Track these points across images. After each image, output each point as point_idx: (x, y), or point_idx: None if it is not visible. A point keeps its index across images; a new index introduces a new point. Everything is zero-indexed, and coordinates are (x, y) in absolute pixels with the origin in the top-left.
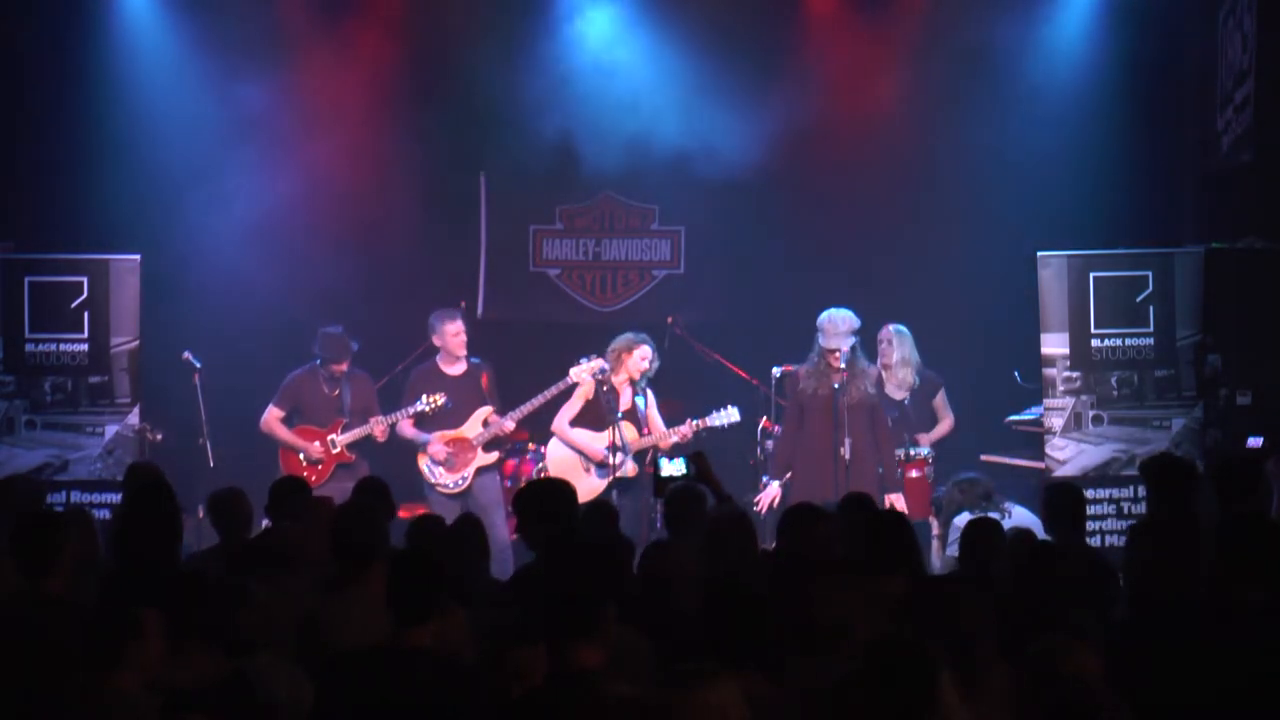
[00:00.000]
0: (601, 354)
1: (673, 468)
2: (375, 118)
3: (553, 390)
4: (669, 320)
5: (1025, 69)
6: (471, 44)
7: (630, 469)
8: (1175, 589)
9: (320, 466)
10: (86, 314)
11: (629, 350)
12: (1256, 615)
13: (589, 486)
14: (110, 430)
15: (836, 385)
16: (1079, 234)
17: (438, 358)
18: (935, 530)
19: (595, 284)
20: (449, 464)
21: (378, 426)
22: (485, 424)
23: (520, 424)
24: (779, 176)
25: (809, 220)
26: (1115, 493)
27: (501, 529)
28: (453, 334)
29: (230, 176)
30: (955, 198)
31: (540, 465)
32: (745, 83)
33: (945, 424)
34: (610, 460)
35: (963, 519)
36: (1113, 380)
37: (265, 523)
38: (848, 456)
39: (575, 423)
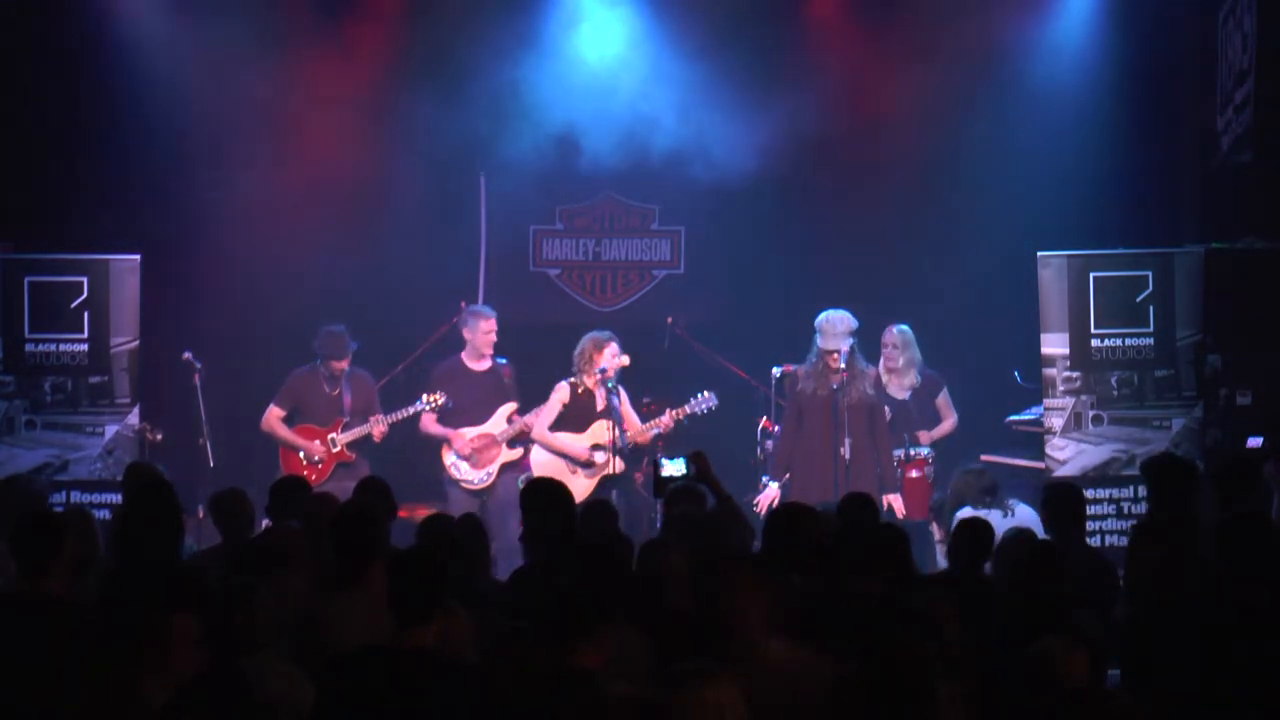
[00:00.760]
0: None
1: (673, 468)
2: (375, 118)
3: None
4: (669, 320)
5: (1025, 69)
6: (472, 44)
7: (618, 466)
8: (1175, 589)
9: (320, 465)
10: (86, 314)
11: (598, 350)
12: (1256, 615)
13: (578, 487)
14: (110, 430)
15: (835, 386)
16: (1079, 234)
17: (463, 353)
18: (938, 536)
19: (595, 284)
20: (474, 460)
21: (377, 426)
22: (509, 420)
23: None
24: (779, 177)
25: (809, 220)
26: (1115, 493)
27: (518, 528)
28: (484, 331)
29: (230, 177)
30: (955, 198)
31: (525, 475)
32: (746, 83)
33: (948, 423)
34: (596, 459)
35: (965, 513)
36: (1113, 380)
37: (265, 523)
38: (848, 457)
39: (554, 428)
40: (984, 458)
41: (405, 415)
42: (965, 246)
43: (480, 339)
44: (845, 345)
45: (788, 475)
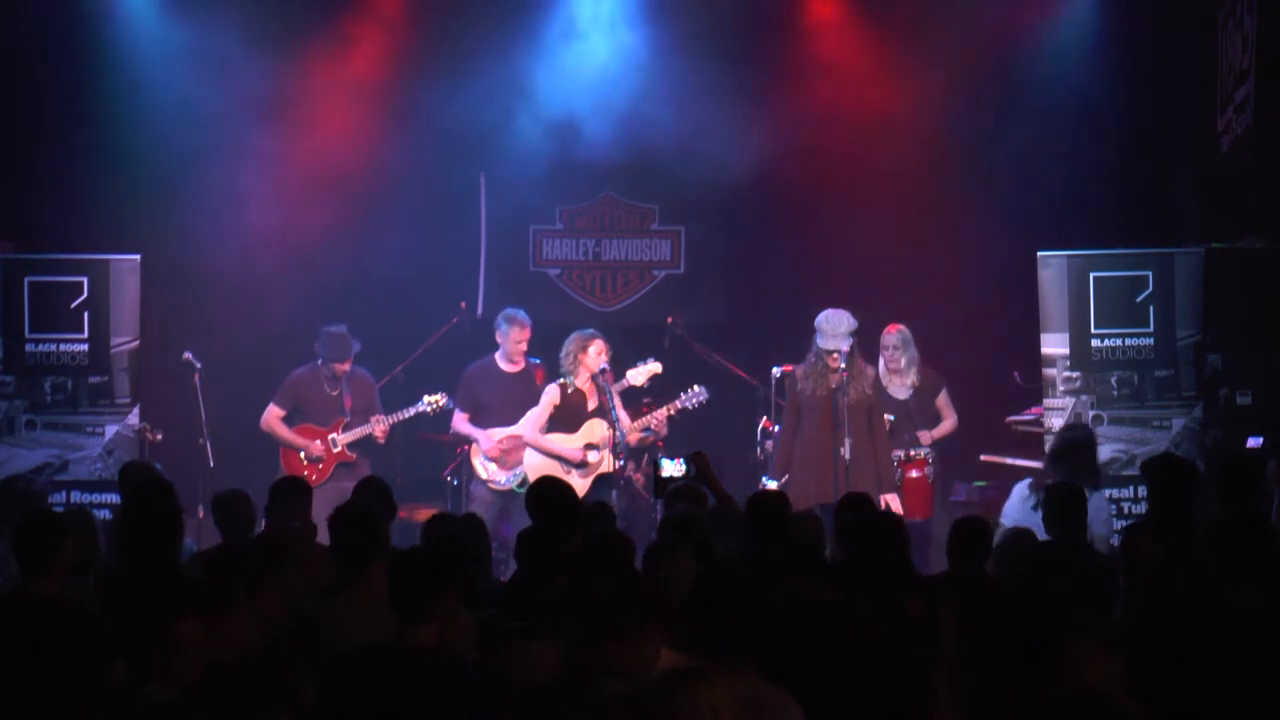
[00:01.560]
0: (656, 357)
1: (673, 468)
2: (375, 118)
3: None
4: (669, 320)
5: (1025, 69)
6: (472, 44)
7: (611, 464)
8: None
9: (321, 465)
10: (86, 314)
11: (583, 349)
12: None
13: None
14: (110, 430)
15: (835, 386)
16: (1079, 234)
17: (496, 354)
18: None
19: (595, 284)
20: (502, 461)
21: (378, 426)
22: None
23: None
24: (779, 177)
25: (809, 220)
26: (1115, 493)
27: None
28: (516, 340)
29: (230, 177)
30: (955, 198)
31: (520, 478)
32: (746, 83)
33: (948, 423)
34: (589, 458)
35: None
36: (1113, 380)
37: (265, 523)
38: (848, 457)
39: (547, 430)
40: (984, 458)
41: (406, 416)
42: (965, 246)
43: (511, 346)
44: (845, 345)
45: (787, 475)
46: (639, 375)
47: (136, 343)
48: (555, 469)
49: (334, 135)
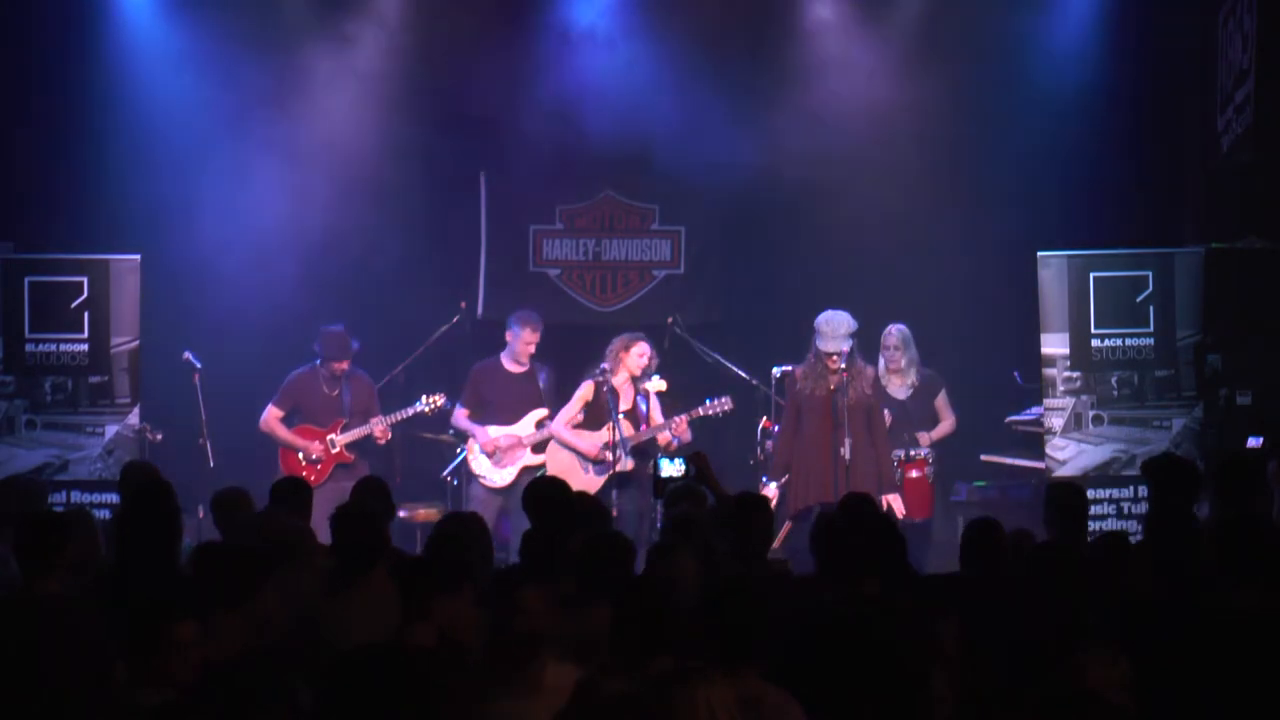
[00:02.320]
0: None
1: (672, 468)
2: (375, 118)
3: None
4: (669, 320)
5: (1025, 69)
6: (472, 43)
7: (628, 464)
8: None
9: (320, 466)
10: (86, 314)
11: (625, 349)
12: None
13: (589, 484)
14: (110, 430)
15: (834, 386)
16: (1079, 234)
17: (503, 354)
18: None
19: (595, 284)
20: (497, 459)
21: (378, 427)
22: (538, 425)
23: None
24: (779, 177)
25: (809, 220)
26: (1115, 493)
27: None
28: (525, 341)
29: (230, 176)
30: (955, 198)
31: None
32: (745, 83)
33: (947, 423)
34: (607, 457)
35: None
36: (1113, 380)
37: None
38: (848, 457)
39: (576, 425)
40: (984, 458)
41: (405, 416)
42: (965, 246)
43: (520, 347)
44: (845, 346)
45: (787, 475)
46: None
47: (136, 343)
48: (574, 464)
49: (334, 135)
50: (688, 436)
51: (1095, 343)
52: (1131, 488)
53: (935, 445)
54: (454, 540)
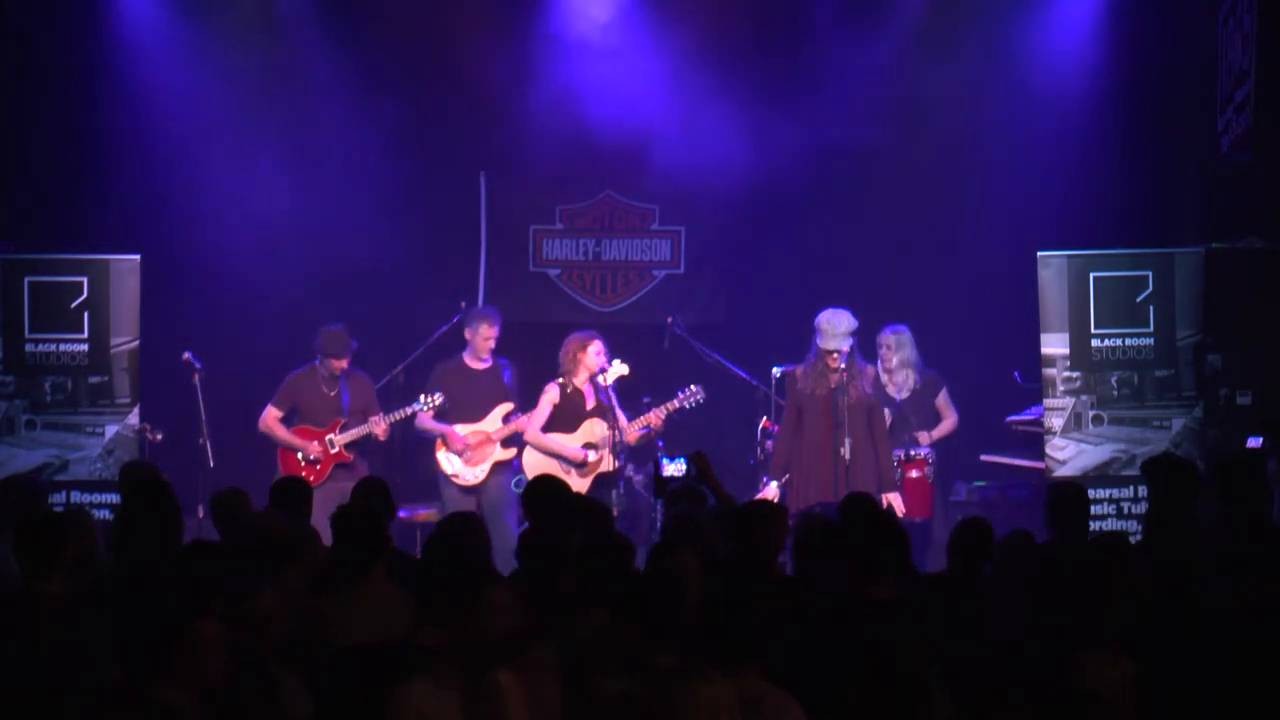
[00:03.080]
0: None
1: (673, 468)
2: (376, 117)
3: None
4: (669, 320)
5: (1026, 70)
6: (472, 43)
7: (610, 464)
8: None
9: (319, 466)
10: (86, 314)
11: (582, 349)
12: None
13: (573, 487)
14: (110, 430)
15: (835, 386)
16: (1079, 234)
17: (464, 353)
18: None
19: (595, 284)
20: (467, 457)
21: (378, 426)
22: (505, 420)
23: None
24: (779, 177)
25: (809, 220)
26: (1115, 493)
27: (510, 529)
28: (484, 337)
29: (230, 177)
30: (955, 198)
31: (517, 477)
32: (746, 83)
33: (948, 423)
34: (589, 458)
35: None
36: (1113, 380)
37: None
38: (848, 457)
39: (546, 429)
40: (984, 458)
41: (404, 415)
42: (965, 246)
43: (480, 343)
44: (845, 345)
45: (787, 475)
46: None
47: (136, 343)
48: (555, 468)
49: (334, 135)
50: (661, 426)
51: (1095, 343)
52: (1131, 488)
53: (935, 445)
54: (454, 540)
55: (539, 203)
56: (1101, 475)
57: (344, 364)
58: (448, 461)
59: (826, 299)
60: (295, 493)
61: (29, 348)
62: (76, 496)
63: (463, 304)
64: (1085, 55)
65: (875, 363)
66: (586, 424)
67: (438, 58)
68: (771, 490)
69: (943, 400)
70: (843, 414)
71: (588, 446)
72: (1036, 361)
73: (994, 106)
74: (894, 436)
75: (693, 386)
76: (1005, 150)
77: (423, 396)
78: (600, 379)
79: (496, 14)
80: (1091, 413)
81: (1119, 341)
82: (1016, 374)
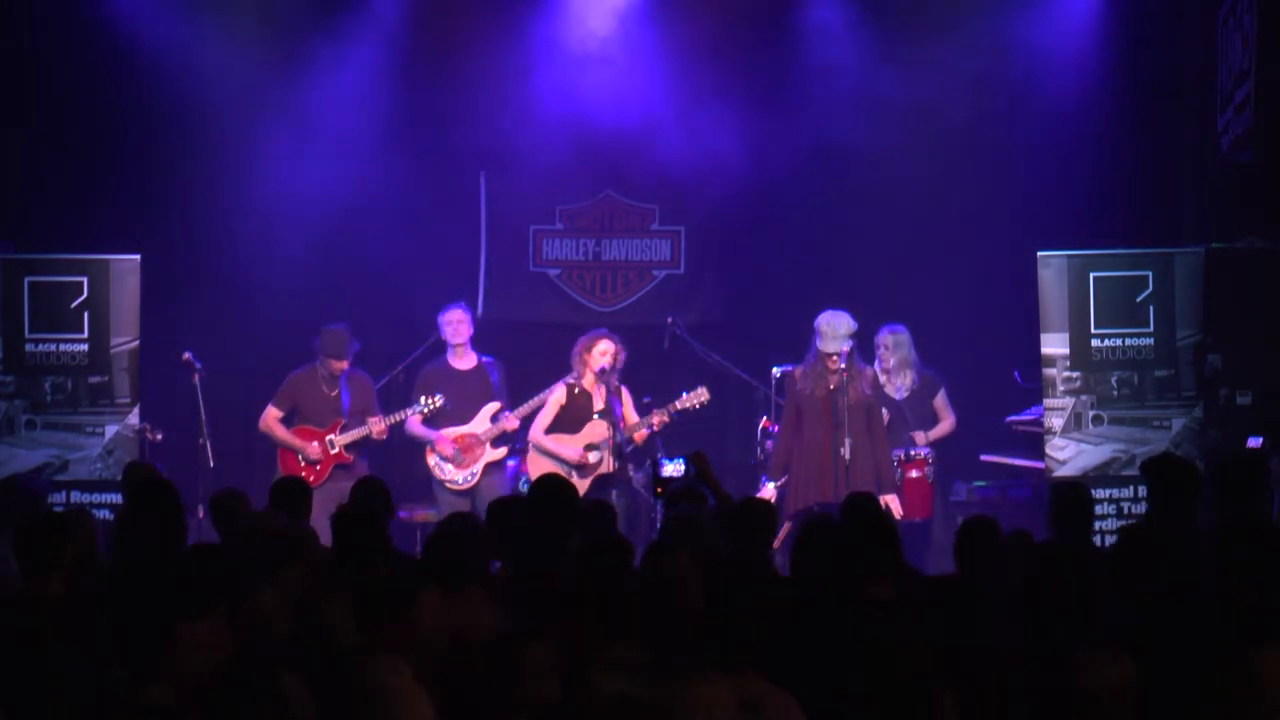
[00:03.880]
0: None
1: (673, 468)
2: (375, 118)
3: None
4: (669, 320)
5: (1025, 70)
6: (472, 43)
7: (609, 465)
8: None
9: (319, 467)
10: (86, 314)
11: (588, 349)
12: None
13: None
14: (110, 430)
15: (834, 386)
16: (1079, 234)
17: (448, 354)
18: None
19: (595, 284)
20: (457, 460)
21: (376, 426)
22: (493, 419)
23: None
24: (779, 176)
25: (809, 220)
26: (1115, 493)
27: None
28: (445, 322)
29: (230, 177)
30: (955, 198)
31: (523, 478)
32: (746, 83)
33: (946, 423)
34: (590, 460)
35: None
36: (1113, 380)
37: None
38: (848, 457)
39: (550, 430)
40: (984, 458)
41: (403, 417)
42: (965, 246)
43: (449, 331)
44: (845, 347)
45: (787, 475)
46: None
47: (136, 343)
48: (557, 470)
49: (334, 135)
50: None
51: (1095, 343)
52: (1131, 488)
53: (935, 445)
54: (454, 540)
55: (539, 203)
56: (1101, 475)
57: (344, 364)
58: (439, 467)
59: (826, 299)
60: (295, 493)
61: (29, 348)
62: (76, 496)
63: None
64: (1085, 55)
65: (874, 363)
66: (590, 425)
67: (438, 58)
68: (770, 490)
69: (941, 401)
70: (842, 414)
71: (589, 448)
72: (1036, 361)
73: (994, 106)
74: (892, 437)
75: (700, 389)
76: (1005, 150)
77: (423, 398)
78: (611, 380)
79: (497, 14)
80: (1091, 413)
81: (1119, 341)
82: (1016, 374)
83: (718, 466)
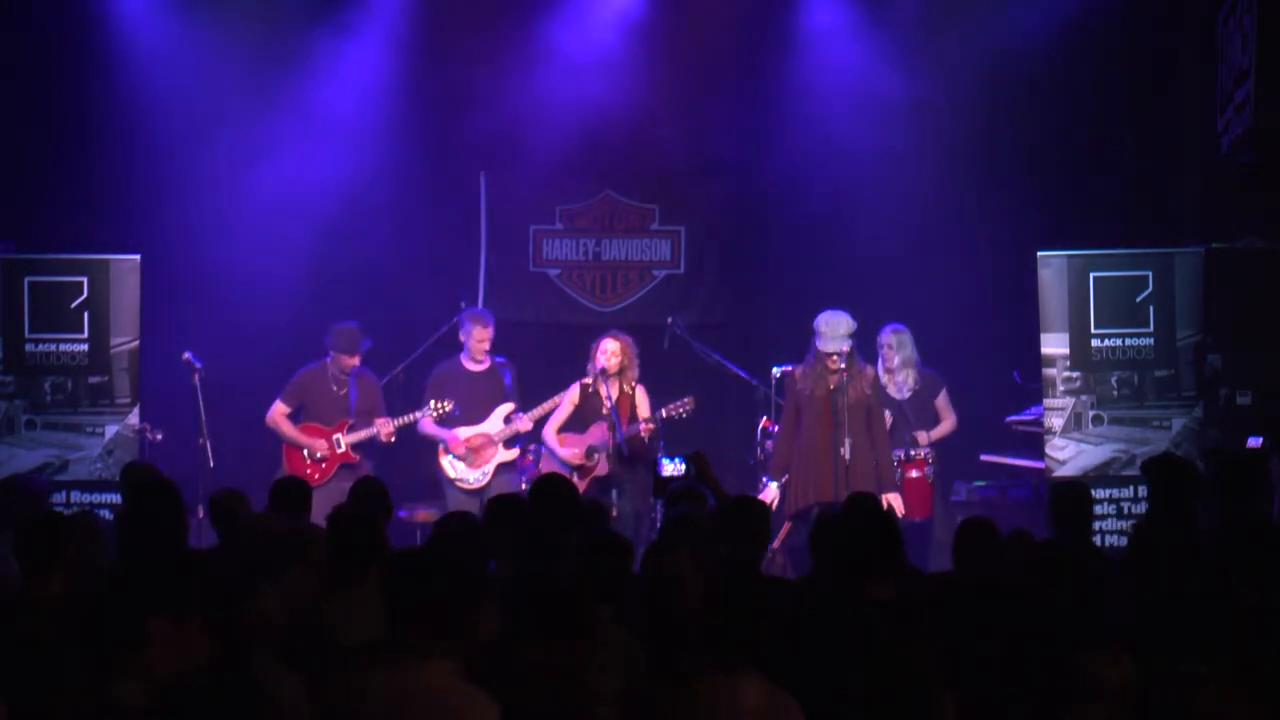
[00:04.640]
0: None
1: (673, 468)
2: (375, 117)
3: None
4: (669, 320)
5: (1025, 69)
6: (472, 43)
7: (603, 468)
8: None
9: (324, 465)
10: (86, 314)
11: (596, 349)
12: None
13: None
14: (110, 430)
15: (834, 386)
16: (1079, 234)
17: (461, 355)
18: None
19: (595, 284)
20: (470, 459)
21: (384, 429)
22: (506, 420)
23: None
24: (779, 176)
25: (809, 220)
26: (1115, 493)
27: None
28: (478, 339)
29: (230, 176)
30: (955, 198)
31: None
32: (746, 83)
33: (948, 423)
34: (588, 462)
35: None
36: (1113, 380)
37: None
38: (848, 457)
39: (563, 430)
40: (984, 458)
41: (410, 420)
42: (965, 246)
43: (474, 345)
44: (845, 346)
45: (787, 475)
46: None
47: (136, 343)
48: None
49: (334, 136)
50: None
51: (1095, 343)
52: (1131, 488)
53: (935, 445)
54: (454, 540)
55: (539, 203)
56: (1101, 475)
57: (355, 362)
58: (451, 466)
59: (826, 299)
60: (295, 493)
61: (29, 348)
62: (76, 496)
63: (463, 304)
64: (1085, 55)
65: (875, 363)
66: (595, 427)
67: (439, 58)
68: (772, 491)
69: (942, 401)
70: (842, 414)
71: (590, 450)
72: (1036, 361)
73: (994, 106)
74: (894, 437)
75: (686, 399)
76: (1005, 150)
77: (432, 403)
78: (618, 380)
79: (498, 14)
80: (1091, 413)
81: (1119, 341)
82: (1016, 374)
83: (718, 466)
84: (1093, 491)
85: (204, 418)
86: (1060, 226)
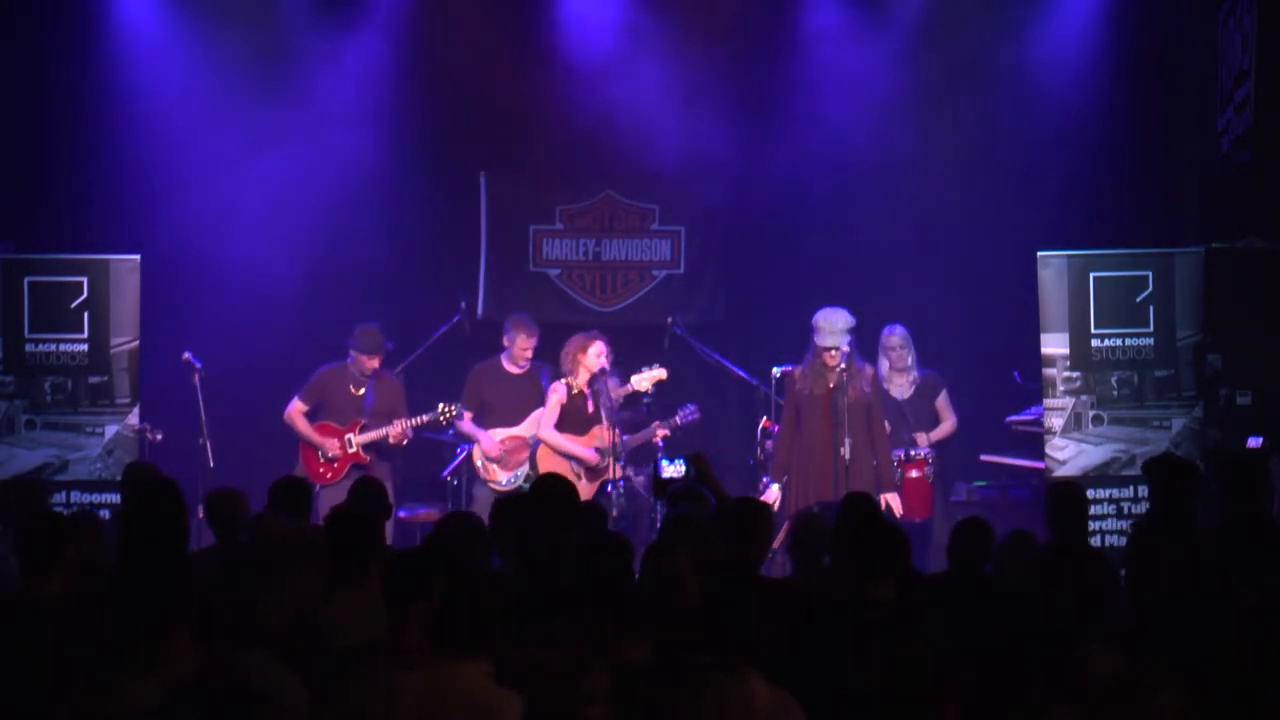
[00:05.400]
0: (657, 357)
1: (673, 469)
2: (375, 117)
3: (618, 394)
4: (669, 320)
5: (1025, 69)
6: (472, 43)
7: (615, 471)
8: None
9: (336, 465)
10: (86, 314)
11: (582, 350)
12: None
13: (582, 492)
14: (110, 430)
15: (834, 385)
16: (1079, 234)
17: (502, 355)
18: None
19: (595, 284)
20: (503, 461)
21: (394, 430)
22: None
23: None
24: (779, 177)
25: (809, 220)
26: (1115, 493)
27: None
28: (521, 348)
29: (230, 176)
30: (955, 198)
31: (526, 474)
32: (746, 83)
33: (948, 424)
34: (602, 464)
35: None
36: (1113, 380)
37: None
38: (848, 456)
39: (558, 430)
40: (984, 458)
41: (422, 421)
42: (965, 246)
43: (516, 352)
44: (843, 342)
45: (787, 475)
46: (643, 380)
47: (136, 343)
48: (567, 471)
49: (334, 135)
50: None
51: (1095, 343)
52: (1131, 488)
53: (935, 445)
54: (453, 540)
55: (539, 203)
56: (1101, 475)
57: (375, 362)
58: (485, 468)
59: (826, 298)
60: (295, 493)
61: (29, 348)
62: (76, 496)
63: (462, 304)
64: (1085, 55)
65: (876, 362)
66: (596, 429)
67: (439, 59)
68: (773, 492)
69: (943, 402)
70: (842, 414)
71: (604, 452)
72: (1036, 361)
73: (994, 106)
74: (894, 437)
75: (690, 406)
76: (1005, 150)
77: (441, 405)
78: (599, 383)
79: (498, 13)
80: (1091, 413)
81: (1119, 341)
82: (1016, 374)
83: (718, 467)
84: (1093, 491)
85: (204, 418)
86: (1060, 226)
